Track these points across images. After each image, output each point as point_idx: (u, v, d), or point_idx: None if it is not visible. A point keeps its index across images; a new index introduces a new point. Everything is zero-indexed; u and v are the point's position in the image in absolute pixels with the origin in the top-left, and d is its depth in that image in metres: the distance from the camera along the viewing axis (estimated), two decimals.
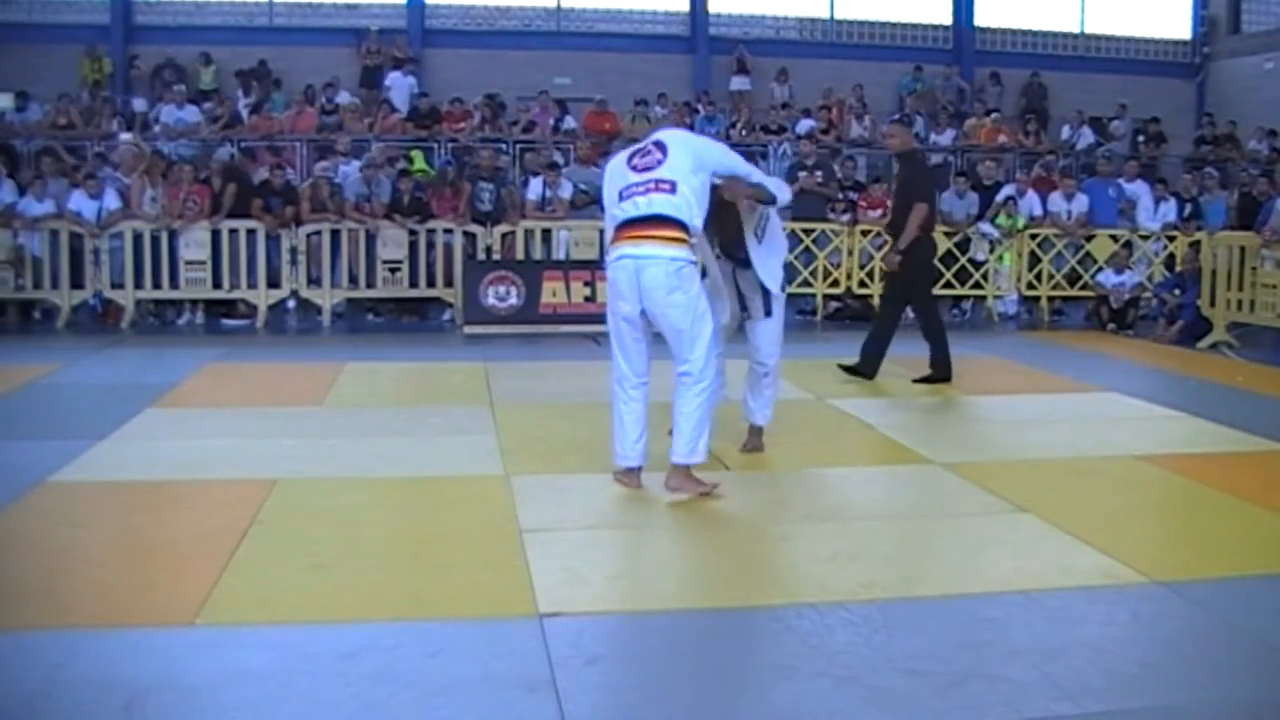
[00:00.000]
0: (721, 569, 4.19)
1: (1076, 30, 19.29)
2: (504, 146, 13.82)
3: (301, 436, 6.03)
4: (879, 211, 11.90)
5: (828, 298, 11.86)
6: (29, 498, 4.82)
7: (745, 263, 5.32)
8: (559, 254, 11.35)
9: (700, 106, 15.74)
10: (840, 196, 12.14)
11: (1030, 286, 12.16)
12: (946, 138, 15.73)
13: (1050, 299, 12.21)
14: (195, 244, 10.79)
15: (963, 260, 11.93)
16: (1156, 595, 3.86)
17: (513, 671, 3.19)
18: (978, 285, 12.07)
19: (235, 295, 10.93)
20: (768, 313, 5.42)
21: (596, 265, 10.59)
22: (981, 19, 18.79)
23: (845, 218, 11.86)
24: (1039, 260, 12.07)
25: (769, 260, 5.34)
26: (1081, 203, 12.26)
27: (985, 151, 14.78)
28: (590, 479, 5.15)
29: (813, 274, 11.69)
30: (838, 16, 18.54)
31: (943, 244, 11.88)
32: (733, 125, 15.68)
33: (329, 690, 3.07)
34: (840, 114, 15.76)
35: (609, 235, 4.95)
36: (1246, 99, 17.91)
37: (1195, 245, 11.17)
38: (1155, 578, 3.98)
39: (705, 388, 4.85)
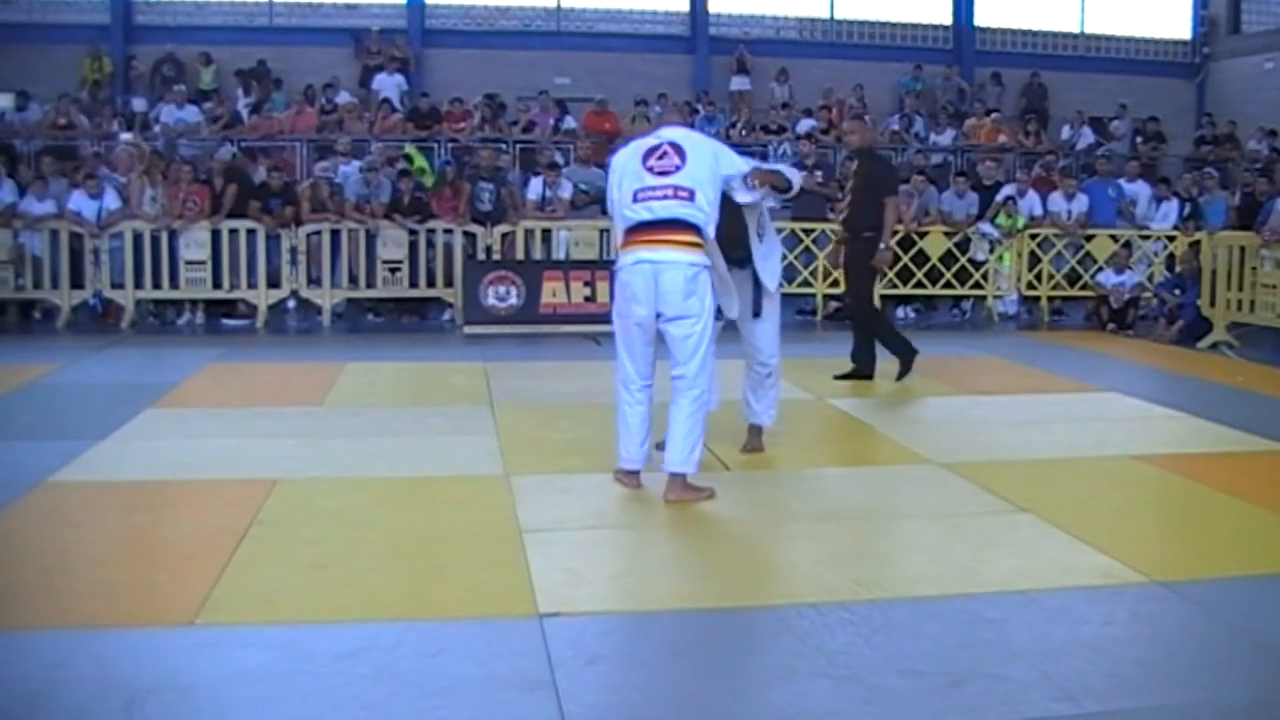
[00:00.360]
0: (721, 569, 4.19)
1: (1076, 30, 19.28)
2: (504, 146, 13.82)
3: (301, 436, 6.03)
4: None
5: (828, 298, 11.85)
6: (29, 498, 4.82)
7: (740, 262, 5.29)
8: (559, 254, 11.35)
9: (700, 106, 15.73)
10: (840, 196, 12.13)
11: (1030, 286, 12.16)
12: (946, 138, 15.72)
13: (1050, 299, 12.21)
14: (195, 244, 10.80)
15: (963, 260, 11.93)
16: (1156, 595, 3.86)
17: (513, 671, 3.19)
18: (978, 285, 12.07)
19: (235, 295, 10.93)
20: (756, 313, 5.39)
21: (596, 265, 10.62)
22: (981, 19, 18.78)
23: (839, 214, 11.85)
24: (1039, 260, 12.08)
25: (769, 259, 5.34)
26: (1081, 203, 12.27)
27: (985, 151, 14.77)
28: (590, 479, 5.15)
29: (813, 274, 11.68)
30: (838, 16, 18.53)
31: (943, 244, 11.92)
32: (733, 125, 15.67)
33: (329, 690, 3.07)
34: (840, 114, 15.74)
35: (618, 235, 4.91)
36: (1246, 99, 17.90)
37: (1195, 245, 11.18)
38: (1155, 578, 3.98)
39: (700, 395, 4.81)
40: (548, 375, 8.13)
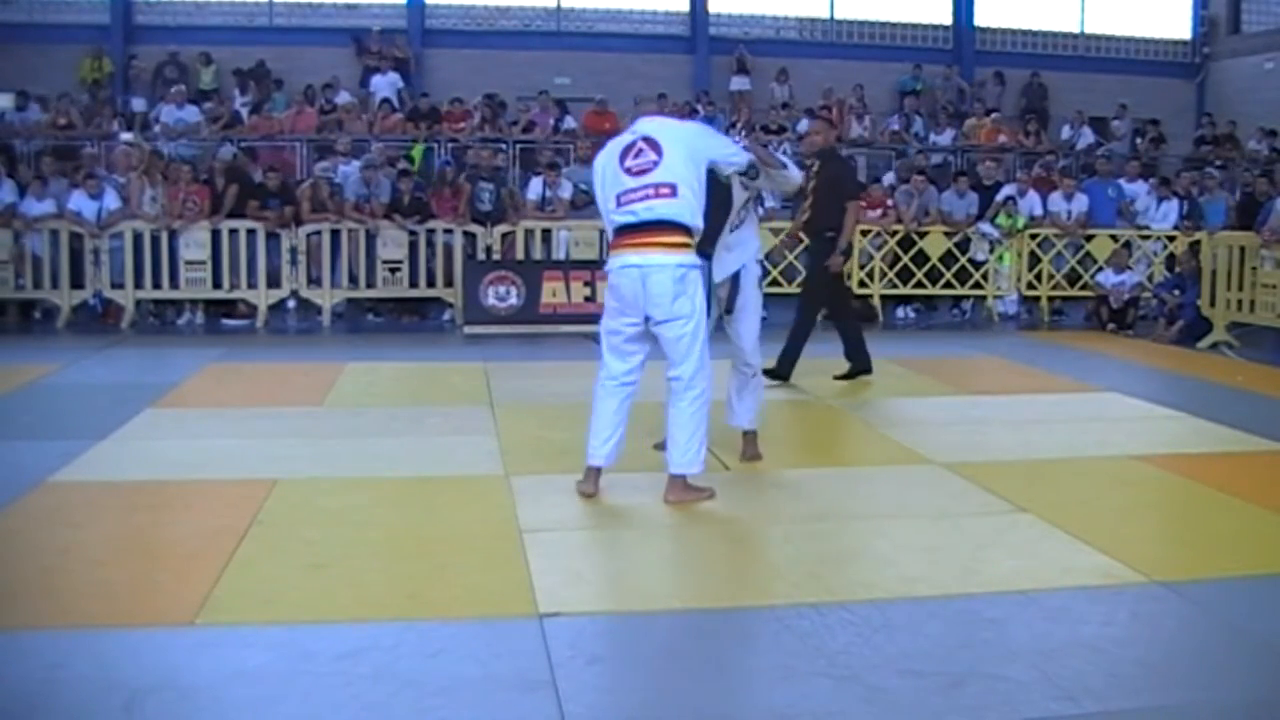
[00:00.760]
0: (721, 569, 4.20)
1: (1076, 30, 19.29)
2: (504, 146, 13.82)
3: (301, 436, 6.03)
4: (878, 211, 11.91)
5: None
6: (29, 498, 4.82)
7: (709, 257, 5.26)
8: (559, 254, 11.35)
9: (700, 106, 15.73)
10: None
11: (1030, 286, 12.16)
12: (946, 138, 15.72)
13: (1050, 299, 12.21)
14: (195, 244, 10.80)
15: (963, 260, 11.94)
16: (1156, 595, 3.86)
17: (513, 671, 3.19)
18: (978, 285, 12.07)
19: (235, 295, 10.93)
20: (728, 310, 5.39)
21: (596, 265, 10.59)
22: (981, 19, 18.79)
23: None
24: (1039, 260, 12.08)
25: (730, 253, 5.30)
26: (1081, 203, 12.27)
27: (985, 151, 14.77)
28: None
29: None
30: (838, 16, 18.53)
31: (943, 244, 11.92)
32: (733, 125, 15.66)
33: (329, 690, 3.07)
34: (840, 114, 15.74)
35: (609, 236, 4.88)
36: (1246, 99, 17.90)
37: (1195, 245, 11.18)
38: (1155, 578, 3.98)
39: (699, 395, 4.76)
40: (548, 375, 8.13)
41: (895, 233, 11.85)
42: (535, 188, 11.63)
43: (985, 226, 11.96)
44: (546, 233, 11.39)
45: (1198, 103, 18.94)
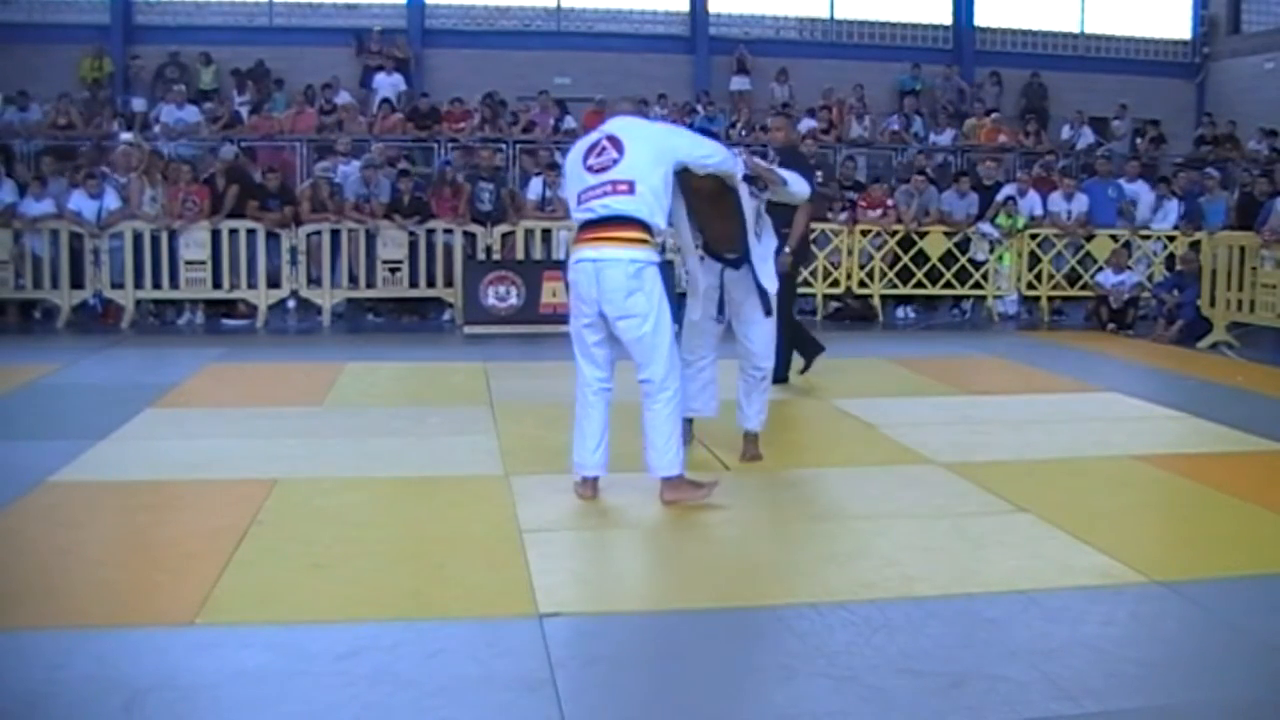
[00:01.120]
0: (721, 569, 4.19)
1: (1076, 30, 19.28)
2: (504, 146, 13.82)
3: (301, 436, 6.03)
4: (879, 211, 11.92)
5: (828, 298, 11.87)
6: (29, 498, 4.82)
7: (735, 264, 5.24)
8: (559, 254, 11.34)
9: (700, 106, 15.73)
10: (840, 196, 12.14)
11: (1030, 286, 12.17)
12: (946, 138, 15.72)
13: (1050, 299, 12.21)
14: (195, 244, 10.80)
15: (963, 260, 11.94)
16: (1156, 595, 3.86)
17: (513, 671, 3.19)
18: (978, 285, 12.08)
19: (235, 295, 10.93)
20: (768, 312, 5.31)
21: None
22: (981, 19, 18.78)
23: (843, 216, 11.86)
24: (1039, 260, 12.08)
25: (766, 262, 5.26)
26: (1081, 203, 12.27)
27: (985, 151, 14.77)
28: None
29: (813, 274, 11.68)
30: (838, 16, 18.53)
31: (943, 244, 11.92)
32: (733, 125, 15.67)
33: (329, 690, 3.07)
34: (840, 114, 15.76)
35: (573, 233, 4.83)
36: (1246, 99, 17.90)
37: (1195, 245, 11.18)
38: (1155, 578, 3.98)
39: (671, 396, 4.68)
40: (548, 375, 8.11)
41: (895, 233, 11.85)
42: (535, 188, 11.63)
43: (985, 226, 11.96)
44: (546, 233, 11.38)
45: (1198, 103, 18.94)
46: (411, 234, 11.03)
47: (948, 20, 18.76)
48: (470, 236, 11.20)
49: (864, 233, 11.82)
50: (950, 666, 3.26)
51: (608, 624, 3.64)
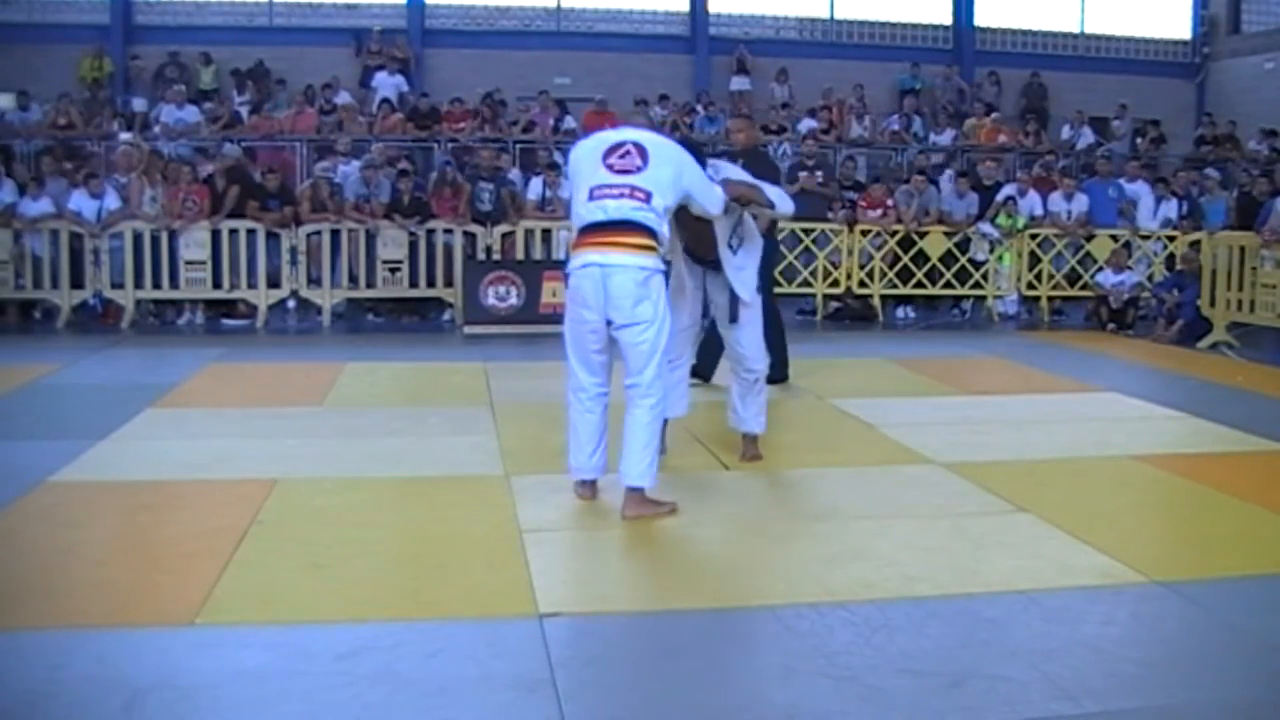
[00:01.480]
0: (722, 569, 4.19)
1: (1076, 30, 19.28)
2: (504, 146, 13.82)
3: (301, 436, 6.03)
4: (879, 211, 11.92)
5: (828, 298, 11.87)
6: (29, 498, 4.82)
7: (717, 265, 5.19)
8: (559, 254, 11.34)
9: (700, 106, 15.73)
10: (839, 196, 12.14)
11: (1030, 286, 12.16)
12: (946, 138, 15.73)
13: (1050, 299, 12.21)
14: (195, 244, 10.80)
15: (963, 260, 11.94)
16: (1156, 595, 3.86)
17: (513, 671, 3.20)
18: (978, 285, 12.07)
19: (235, 295, 10.93)
20: (733, 319, 5.25)
21: None
22: (981, 19, 18.77)
23: (842, 214, 11.86)
24: (1039, 260, 12.08)
25: (744, 270, 5.18)
26: (1081, 203, 12.27)
27: (985, 151, 14.77)
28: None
29: (813, 274, 11.69)
30: (838, 16, 18.53)
31: (943, 244, 11.92)
32: None
33: (329, 690, 3.07)
34: (840, 114, 15.76)
35: (573, 231, 4.69)
36: (1246, 99, 17.90)
37: (1195, 245, 11.18)
38: (1155, 578, 3.98)
39: (656, 403, 4.60)
40: (548, 375, 8.08)
41: (895, 233, 11.85)
42: (535, 188, 11.63)
43: (985, 226, 11.96)
44: (546, 233, 11.38)
45: (1198, 103, 18.94)
46: (411, 234, 11.03)
47: (948, 20, 18.76)
48: (470, 236, 11.20)
49: (864, 233, 11.81)
50: (950, 666, 3.26)
51: (608, 624, 3.64)
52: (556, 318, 10.27)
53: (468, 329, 10.46)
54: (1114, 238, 11.99)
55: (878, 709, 3.02)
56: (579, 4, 17.95)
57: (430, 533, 4.49)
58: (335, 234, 11.04)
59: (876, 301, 11.90)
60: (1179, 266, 11.36)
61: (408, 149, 13.50)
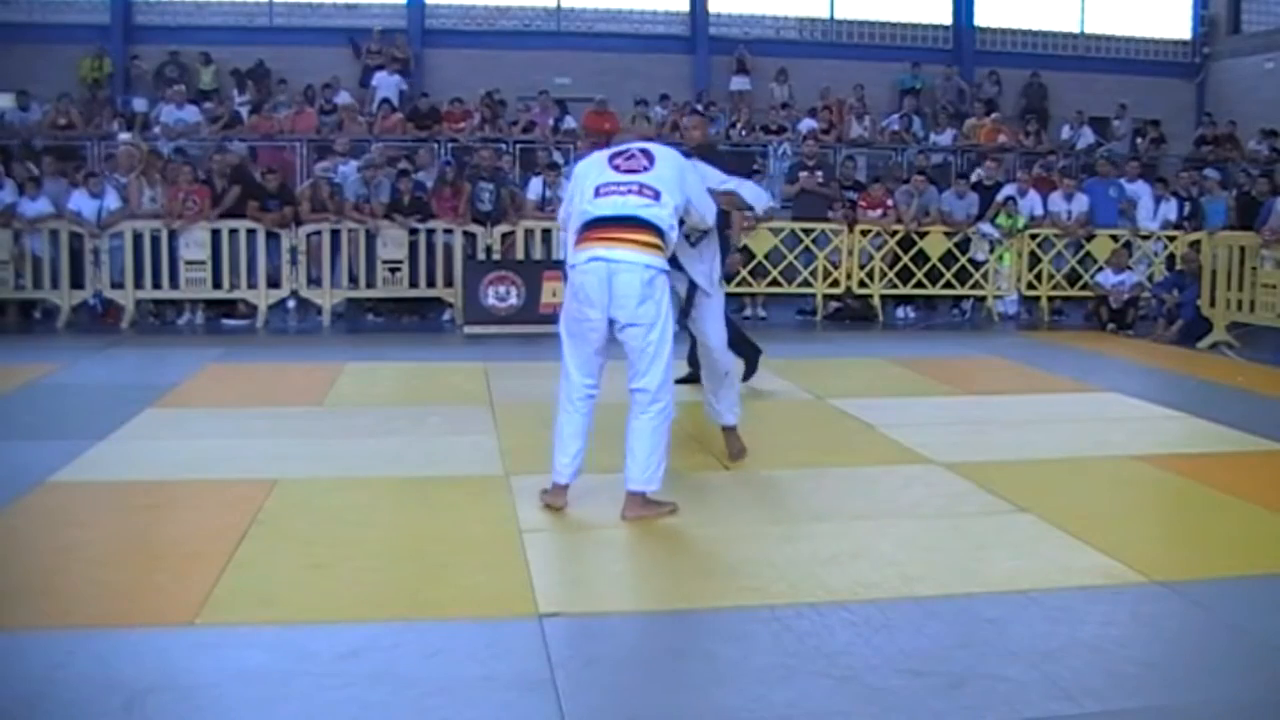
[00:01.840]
0: (722, 569, 4.19)
1: (1076, 30, 19.28)
2: (504, 146, 13.82)
3: (301, 436, 6.03)
4: (879, 211, 11.92)
5: (828, 298, 11.87)
6: (29, 498, 4.82)
7: (676, 262, 5.05)
8: (559, 254, 11.33)
9: (700, 107, 15.71)
10: (839, 196, 12.14)
11: (1030, 286, 12.16)
12: (946, 138, 15.73)
13: (1050, 299, 12.21)
14: (195, 244, 10.79)
15: (963, 260, 11.94)
16: (1156, 595, 3.86)
17: (513, 671, 3.20)
18: (978, 285, 12.07)
19: (235, 295, 10.93)
20: (685, 314, 5.18)
21: None
22: (981, 19, 18.77)
23: (842, 214, 11.85)
24: (1039, 260, 12.08)
25: (702, 262, 5.17)
26: (1081, 203, 12.27)
27: (985, 151, 14.78)
28: (590, 479, 5.11)
29: (813, 274, 11.69)
30: (837, 16, 18.53)
31: (943, 244, 11.92)
32: (733, 125, 15.67)
33: (329, 690, 3.07)
34: (840, 114, 15.76)
35: (570, 235, 4.65)
36: (1246, 99, 17.90)
37: (1195, 245, 11.18)
38: (1155, 578, 3.98)
39: (663, 409, 4.55)
40: (548, 375, 8.03)
41: (895, 233, 11.85)
42: (535, 188, 11.64)
43: (985, 226, 11.96)
44: (546, 233, 11.37)
45: (1198, 103, 18.93)
46: (412, 233, 11.03)
47: (948, 20, 18.75)
48: (470, 236, 11.19)
49: (864, 233, 11.81)
50: (950, 666, 3.26)
51: (608, 624, 3.64)
52: (556, 318, 10.39)
53: (468, 329, 10.46)
54: (1114, 238, 11.99)
55: (878, 709, 3.02)
56: (579, 4, 17.95)
57: (430, 533, 4.49)
58: (335, 234, 11.04)
59: (876, 301, 11.89)
60: (1179, 266, 11.37)
61: (408, 149, 13.49)
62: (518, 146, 14.19)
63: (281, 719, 2.95)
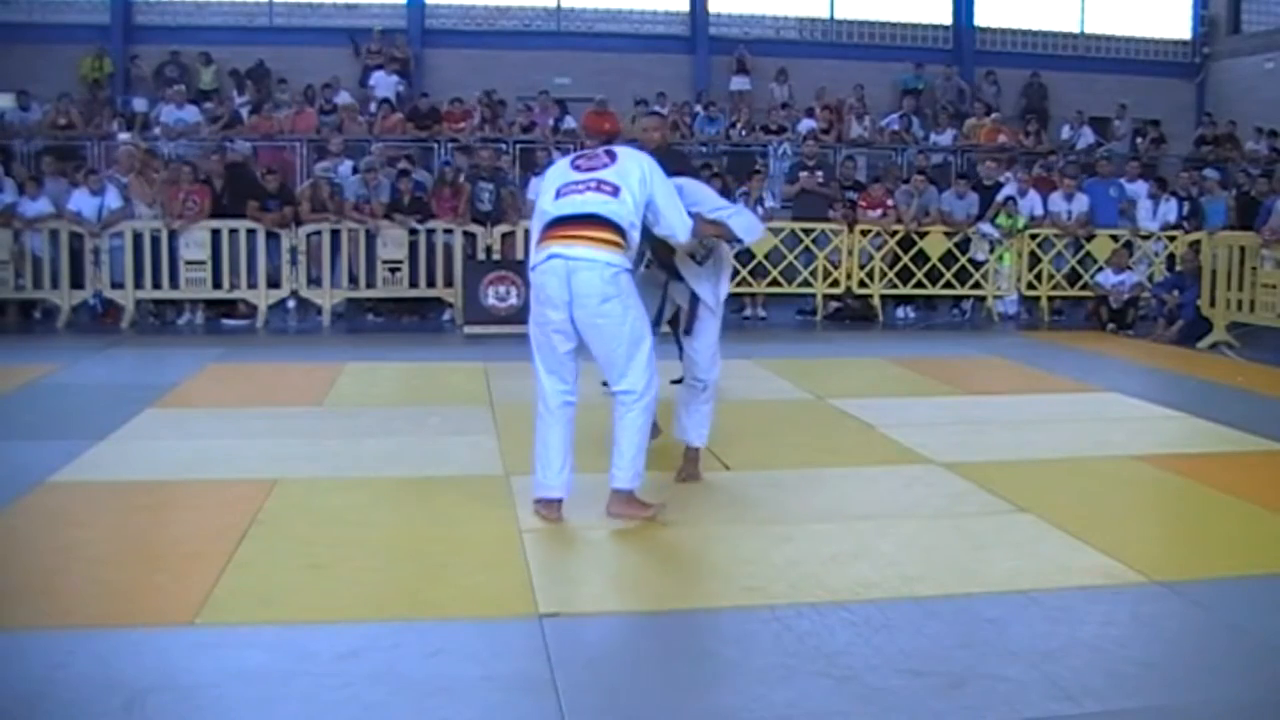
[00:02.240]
0: (722, 569, 4.19)
1: (1076, 30, 19.29)
2: (504, 146, 13.82)
3: (301, 436, 6.03)
4: (879, 211, 11.92)
5: (828, 298, 11.87)
6: (29, 498, 4.82)
7: (678, 275, 5.02)
8: None
9: (700, 107, 15.73)
10: (839, 196, 12.14)
11: (1030, 286, 12.17)
12: (946, 138, 15.73)
13: (1050, 299, 12.22)
14: (195, 244, 10.80)
15: (963, 260, 11.94)
16: (1156, 595, 3.86)
17: (513, 671, 3.20)
18: (978, 285, 12.08)
19: (235, 295, 10.94)
20: (687, 331, 5.08)
21: None
22: (981, 19, 18.79)
23: (842, 214, 11.86)
24: (1039, 260, 12.08)
25: (706, 282, 5.02)
26: (1081, 203, 12.27)
27: (985, 151, 14.77)
28: (590, 479, 5.09)
29: (813, 274, 11.69)
30: (838, 16, 18.54)
31: (943, 244, 11.92)
32: (733, 125, 15.68)
33: (329, 690, 3.07)
34: (840, 114, 15.76)
35: (533, 238, 4.57)
36: (1246, 99, 17.90)
37: (1195, 245, 11.18)
38: (1155, 578, 3.98)
39: (647, 405, 4.49)
40: None
41: (895, 233, 11.85)
42: (535, 188, 11.61)
43: (985, 226, 11.96)
44: None
45: (1198, 103, 18.94)
46: (412, 233, 11.03)
47: (948, 20, 18.77)
48: (470, 236, 11.20)
49: (864, 233, 11.81)
50: (950, 666, 3.26)
51: (608, 624, 3.64)
52: None
53: (468, 329, 10.46)
54: (1114, 238, 11.99)
55: (878, 709, 3.02)
56: (579, 4, 17.95)
57: (430, 533, 4.49)
58: (335, 234, 11.05)
59: (876, 301, 11.90)
60: (1179, 267, 11.37)
61: (408, 149, 13.50)
62: (518, 146, 14.19)
63: (281, 719, 2.95)
